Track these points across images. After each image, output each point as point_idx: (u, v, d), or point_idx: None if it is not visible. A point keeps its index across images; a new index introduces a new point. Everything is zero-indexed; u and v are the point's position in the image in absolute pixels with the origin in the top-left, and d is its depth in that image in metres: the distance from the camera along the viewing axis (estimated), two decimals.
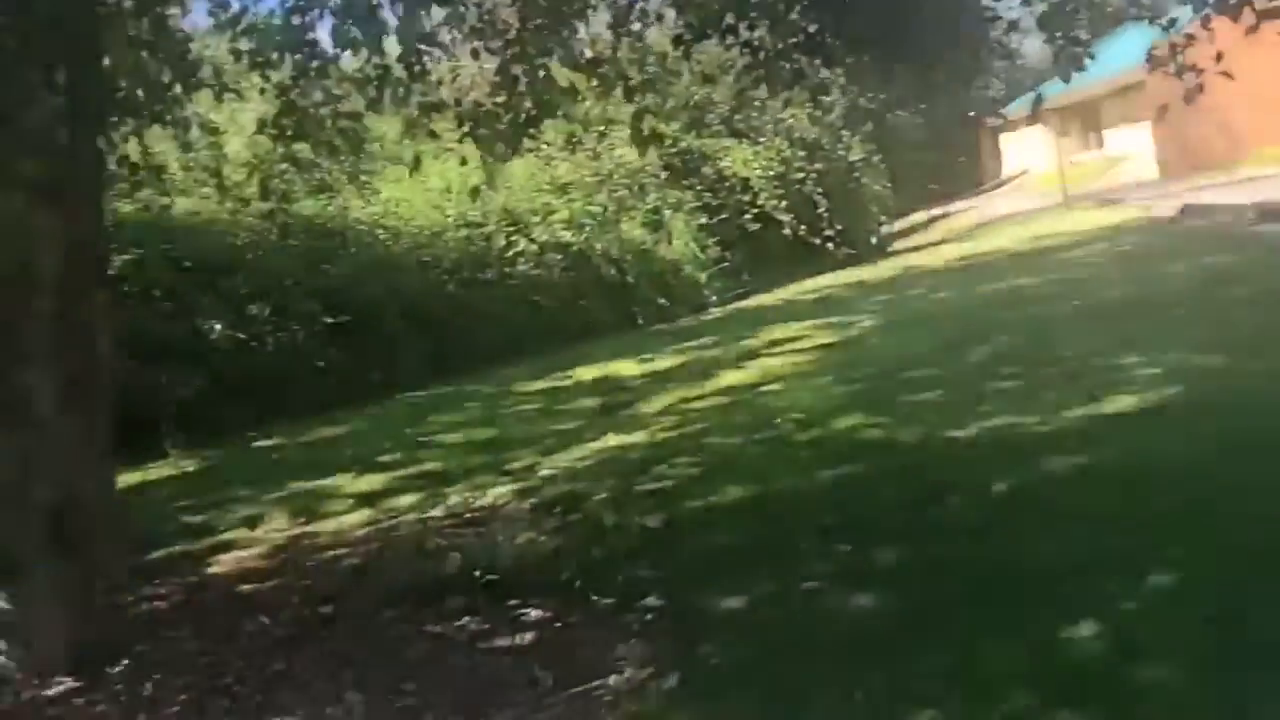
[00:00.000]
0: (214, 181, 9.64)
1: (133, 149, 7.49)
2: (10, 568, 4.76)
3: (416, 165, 8.44)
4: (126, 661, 4.81)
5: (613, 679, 4.15)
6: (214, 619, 5.31)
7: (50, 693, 4.58)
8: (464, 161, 8.20)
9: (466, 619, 4.89)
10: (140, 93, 7.01)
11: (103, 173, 5.44)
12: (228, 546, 6.64)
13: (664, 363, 10.76)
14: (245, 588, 5.78)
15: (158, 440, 9.71)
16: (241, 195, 11.61)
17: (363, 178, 14.04)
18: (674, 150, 16.87)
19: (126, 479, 5.41)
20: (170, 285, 10.86)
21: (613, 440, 7.69)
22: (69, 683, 4.63)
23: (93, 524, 4.93)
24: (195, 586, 5.95)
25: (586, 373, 10.59)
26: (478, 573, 5.08)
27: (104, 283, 5.13)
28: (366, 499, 7.14)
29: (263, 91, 7.34)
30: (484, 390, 10.67)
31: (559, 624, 4.76)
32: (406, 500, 7.01)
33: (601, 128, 16.28)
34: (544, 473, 7.16)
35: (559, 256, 14.61)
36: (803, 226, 18.85)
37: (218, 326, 10.88)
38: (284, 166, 10.24)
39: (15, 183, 4.50)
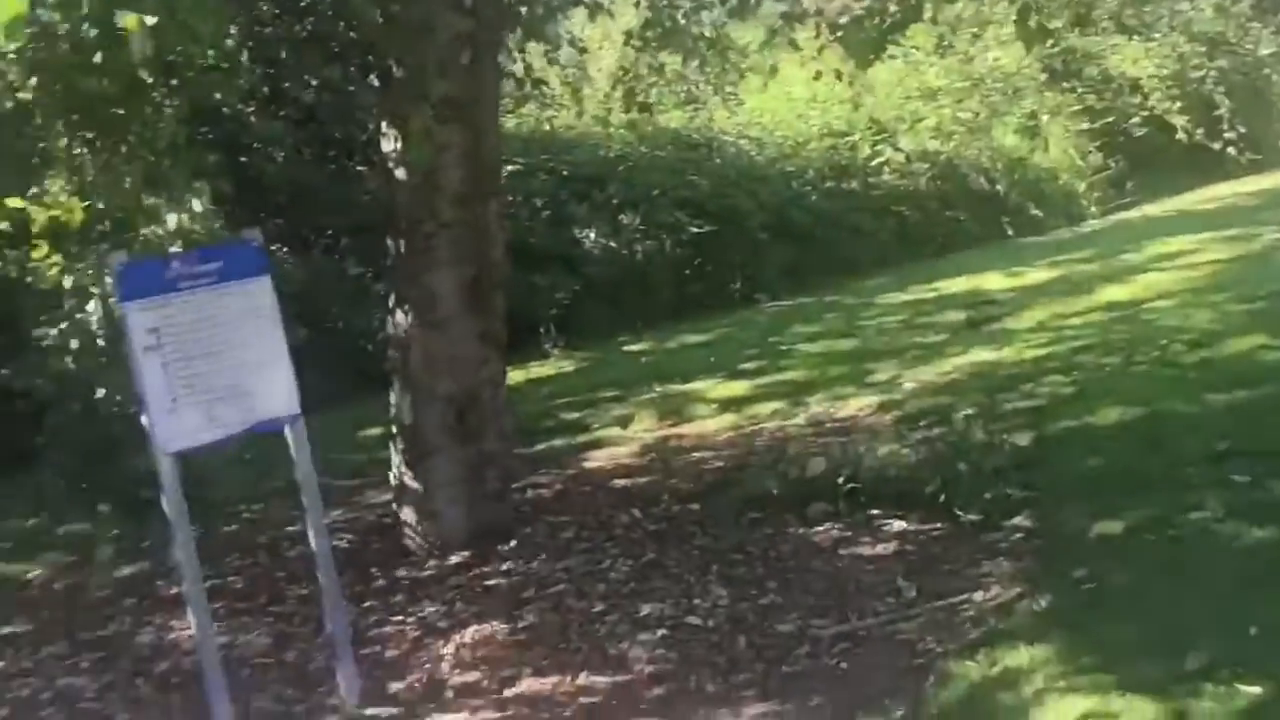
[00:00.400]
0: (577, 97, 10.00)
1: (518, 67, 7.93)
2: (422, 453, 5.31)
3: (773, 73, 8.36)
4: (514, 542, 5.26)
5: (978, 595, 4.08)
6: (591, 509, 5.68)
7: (450, 562, 5.10)
8: (817, 76, 8.02)
9: (828, 525, 4.96)
10: (524, 10, 7.38)
11: (499, 89, 5.80)
12: (600, 444, 7.05)
13: (1036, 276, 10.22)
14: (618, 482, 6.14)
15: (537, 342, 10.40)
16: (610, 109, 12.03)
17: (728, 89, 14.13)
18: (1055, 50, 15.74)
19: (511, 377, 5.85)
20: (549, 196, 11.49)
21: (979, 355, 7.44)
22: (466, 557, 5.13)
23: (487, 416, 5.39)
24: (572, 479, 6.38)
25: (952, 285, 10.26)
26: (841, 480, 5.11)
27: (498, 192, 5.50)
28: (729, 404, 7.33)
29: (637, 4, 7.53)
30: (845, 301, 10.60)
31: (922, 537, 4.73)
32: (768, 407, 7.13)
33: (975, 30, 15.45)
34: (907, 385, 7.05)
35: (926, 165, 14.12)
36: (1199, 130, 17.11)
37: (591, 235, 11.41)
38: (652, 80, 10.50)
39: (425, 100, 4.90)
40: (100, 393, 5.04)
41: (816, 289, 11.50)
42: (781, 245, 12.35)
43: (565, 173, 11.84)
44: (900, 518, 4.91)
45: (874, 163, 13.87)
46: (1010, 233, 14.12)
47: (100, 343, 4.71)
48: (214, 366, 3.79)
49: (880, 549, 4.69)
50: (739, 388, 7.74)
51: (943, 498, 4.88)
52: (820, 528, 4.95)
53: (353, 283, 10.00)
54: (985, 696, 3.32)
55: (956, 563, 4.43)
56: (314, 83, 10.53)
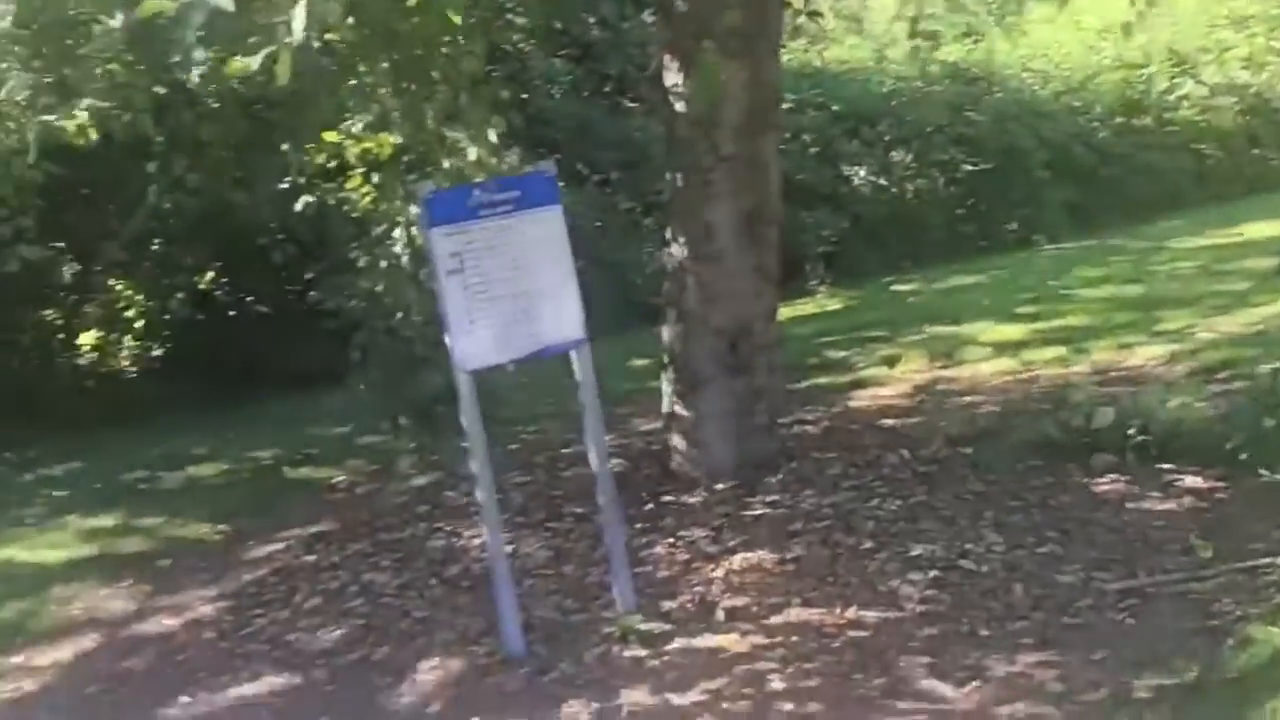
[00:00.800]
0: (856, 27, 9.77)
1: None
2: (694, 384, 5.42)
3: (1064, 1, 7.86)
4: (781, 475, 5.30)
5: None
6: (858, 447, 5.63)
7: (718, 491, 5.20)
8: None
9: (1114, 477, 4.74)
10: None
11: (781, 20, 5.74)
12: (867, 383, 6.98)
13: None
14: (886, 422, 6.06)
15: (803, 280, 10.36)
16: (887, 43, 11.72)
17: (1009, 19, 13.46)
18: None
19: (779, 313, 5.86)
20: (819, 132, 11.35)
21: None
22: (733, 487, 5.22)
23: (758, 349, 5.43)
24: (839, 416, 6.35)
25: (1258, 230, 9.46)
26: (1130, 432, 4.86)
27: (776, 126, 5.47)
28: (1004, 348, 7.08)
29: None
30: (1133, 245, 9.97)
31: (1219, 495, 4.45)
32: (1046, 354, 6.84)
33: None
34: (1202, 335, 6.59)
35: (1233, 100, 13.02)
36: None
37: (861, 172, 11.22)
38: (932, 10, 10.13)
39: (710, 34, 4.92)
40: (402, 315, 5.40)
41: (1101, 232, 10.89)
42: (1064, 185, 11.75)
43: (836, 109, 11.66)
44: (1195, 474, 4.63)
45: (1171, 96, 12.92)
46: None
47: (404, 267, 5.04)
48: (509, 290, 3.99)
49: (1172, 505, 4.44)
50: (1014, 331, 7.46)
51: (1245, 455, 4.56)
52: (1105, 479, 4.74)
53: (624, 217, 10.25)
54: None
55: (1259, 524, 4.15)
56: (591, 20, 10.79)
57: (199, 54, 3.94)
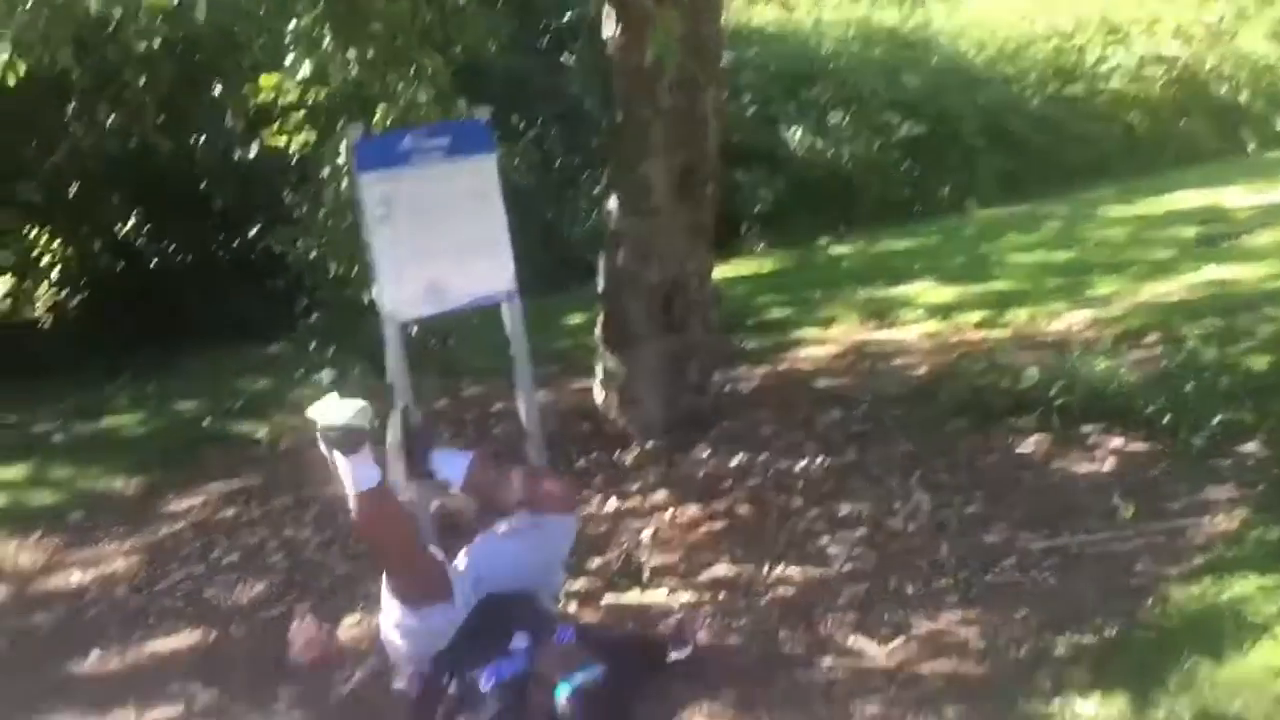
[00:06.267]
0: None
1: None
2: (626, 341, 5.37)
3: None
4: (713, 433, 5.29)
5: (1204, 520, 3.88)
6: (790, 406, 5.63)
7: (649, 449, 5.17)
8: None
9: (1039, 438, 4.78)
10: None
11: None
12: (801, 343, 6.97)
13: None
14: (819, 382, 6.06)
15: (739, 240, 10.32)
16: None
17: None
18: None
19: (715, 273, 5.81)
20: (755, 93, 11.27)
21: (1213, 273, 6.96)
22: (664, 445, 5.19)
23: (692, 307, 5.39)
24: (772, 376, 6.34)
25: (1184, 201, 9.57)
26: (1053, 394, 4.90)
27: (717, 80, 5.39)
28: (935, 311, 7.11)
29: None
30: (1063, 213, 10.04)
31: (1141, 458, 4.51)
32: (975, 316, 6.88)
33: None
34: (1128, 301, 6.68)
35: (1161, 71, 13.18)
36: None
37: (798, 134, 11.16)
38: None
39: None
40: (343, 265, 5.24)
41: (1033, 198, 10.96)
42: (998, 151, 11.81)
43: (772, 69, 11.58)
44: (1118, 436, 4.69)
45: (1103, 67, 13.04)
46: (1252, 147, 13.09)
47: (347, 216, 4.89)
48: (440, 240, 3.91)
49: (1095, 467, 4.49)
50: (946, 294, 7.49)
51: (1166, 419, 4.62)
52: (1030, 440, 4.78)
53: (560, 174, 10.11)
54: (1210, 622, 3.17)
55: (1179, 486, 4.21)
56: None
57: None
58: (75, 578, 4.57)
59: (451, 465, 3.50)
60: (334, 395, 3.16)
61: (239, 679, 3.62)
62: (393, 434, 3.53)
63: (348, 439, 3.14)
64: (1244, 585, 3.34)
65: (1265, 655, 2.95)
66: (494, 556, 3.41)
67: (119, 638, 4.01)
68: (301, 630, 3.14)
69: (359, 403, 3.12)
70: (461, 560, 3.45)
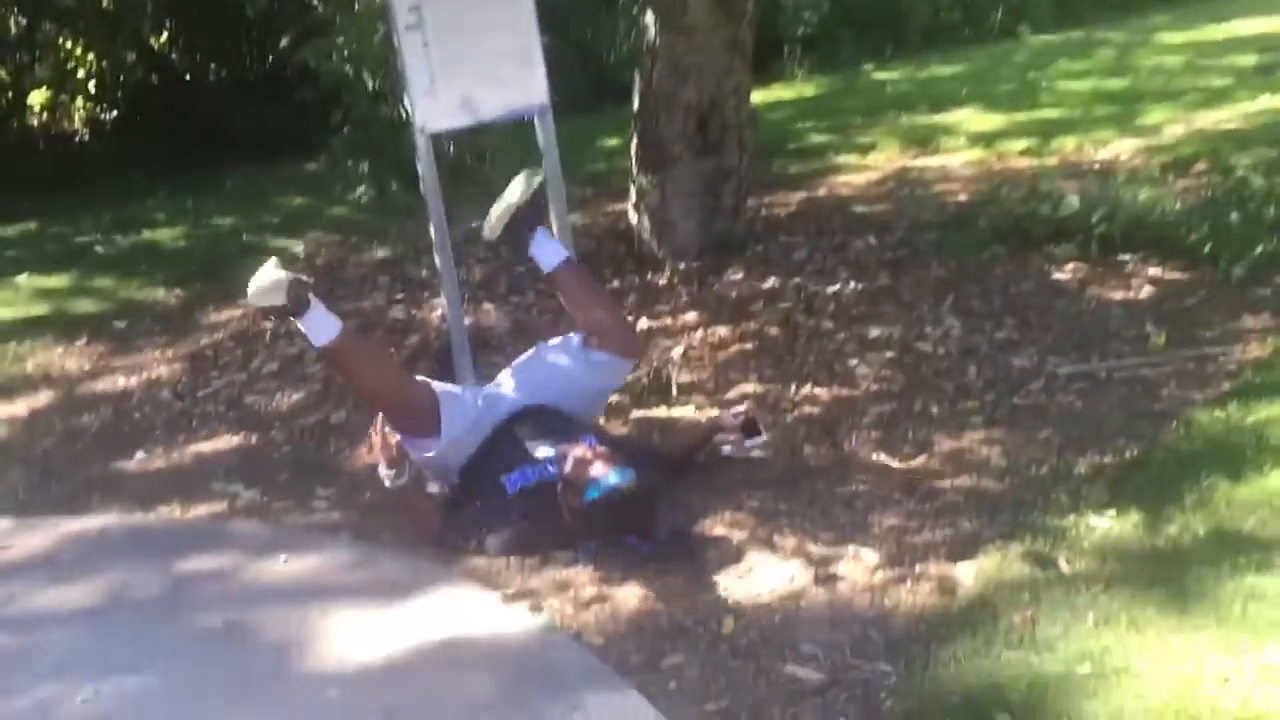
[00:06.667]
0: None
1: None
2: (661, 162, 5.30)
3: None
4: (746, 256, 5.27)
5: (1236, 348, 3.86)
6: (825, 231, 5.59)
7: (682, 270, 5.17)
8: None
9: (1076, 266, 4.73)
10: None
11: None
12: (840, 169, 6.87)
13: None
14: (856, 208, 5.99)
15: (781, 64, 10.06)
16: None
17: None
18: None
19: (753, 97, 5.67)
20: None
21: (1268, 103, 6.73)
22: (697, 266, 5.19)
23: (728, 128, 5.30)
24: (808, 201, 6.27)
25: (1247, 27, 9.18)
26: (1095, 220, 4.82)
27: None
28: (980, 139, 6.95)
29: None
30: (1119, 39, 9.68)
31: (1179, 286, 4.46)
32: (1021, 144, 6.72)
33: None
34: (1179, 130, 6.49)
35: None
36: None
37: None
38: None
39: None
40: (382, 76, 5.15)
41: (1088, 24, 10.56)
42: None
43: None
44: (1157, 265, 4.63)
45: None
46: None
47: (380, 27, 4.78)
48: (471, 50, 3.83)
49: (1131, 295, 4.45)
50: (992, 122, 7.31)
51: (1208, 248, 4.55)
52: (1067, 268, 4.73)
53: None
54: (1233, 446, 3.18)
55: (1214, 315, 4.17)
56: None
57: None
58: (120, 383, 4.69)
59: (548, 251, 3.56)
60: (267, 266, 3.18)
61: (279, 480, 3.74)
62: (512, 194, 3.55)
63: (290, 304, 3.14)
64: (1270, 410, 3.33)
65: None
66: (543, 372, 3.44)
67: (163, 440, 4.14)
68: (377, 435, 3.19)
69: (271, 271, 3.15)
70: (505, 378, 3.50)
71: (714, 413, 3.73)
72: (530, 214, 3.58)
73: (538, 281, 5.06)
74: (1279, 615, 2.45)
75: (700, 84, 5.17)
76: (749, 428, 3.40)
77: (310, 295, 3.16)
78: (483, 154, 5.78)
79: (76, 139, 9.38)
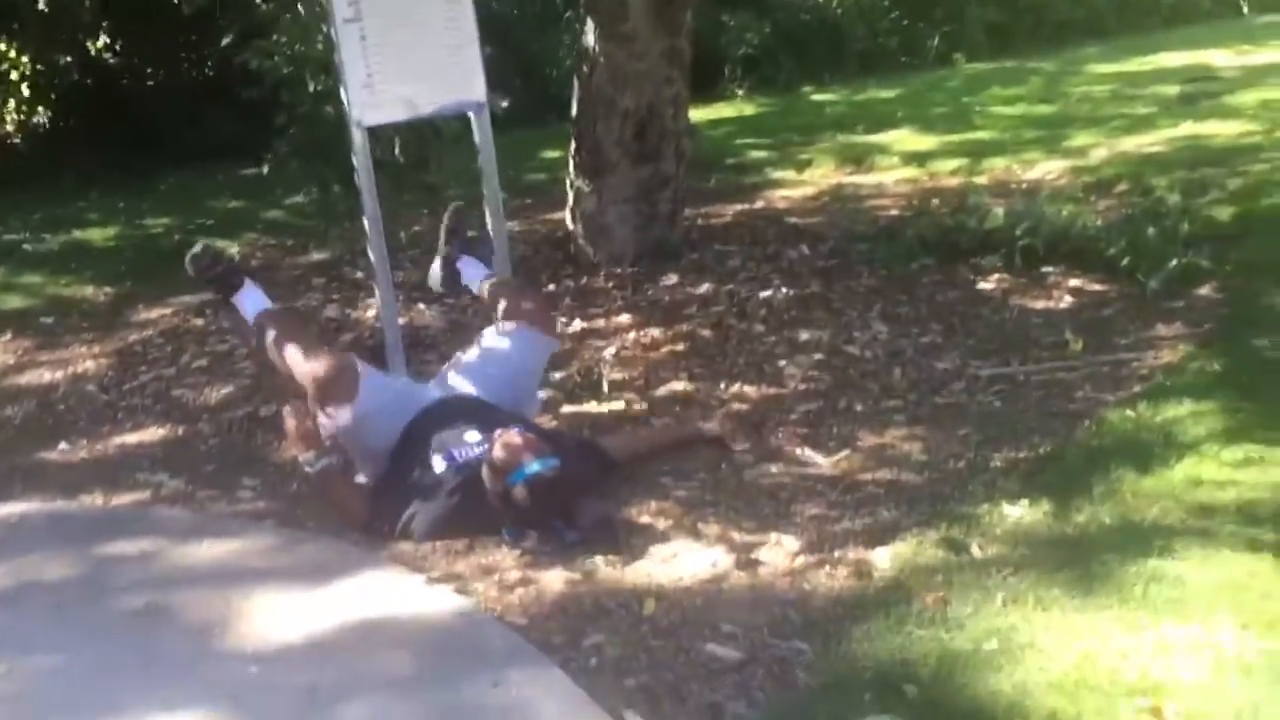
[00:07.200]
0: None
1: None
2: (599, 168, 5.36)
3: None
4: (681, 263, 5.34)
5: (1149, 354, 3.99)
6: (759, 241, 5.68)
7: (618, 274, 5.22)
8: None
9: (1000, 276, 4.86)
10: None
11: None
12: (777, 184, 6.98)
13: (1269, 56, 9.37)
14: (790, 220, 6.09)
15: (722, 83, 10.20)
16: None
17: None
18: None
19: (693, 115, 5.75)
20: None
21: (1189, 129, 6.96)
22: (632, 272, 5.24)
23: (666, 136, 5.37)
24: (745, 213, 6.36)
25: (1171, 60, 9.50)
26: (1019, 234, 4.95)
27: None
28: (913, 158, 7.11)
29: None
30: (1050, 68, 9.95)
31: (1097, 297, 4.60)
32: (952, 164, 6.89)
33: None
34: (1103, 153, 6.69)
35: None
36: None
37: None
38: None
39: None
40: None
41: (1021, 54, 10.85)
42: (988, 4, 11.62)
43: None
44: (1077, 277, 4.77)
45: None
46: (1246, 9, 12.90)
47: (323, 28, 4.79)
48: (409, 45, 3.86)
49: (1051, 304, 4.59)
50: (925, 142, 7.48)
51: (1126, 261, 4.70)
52: (991, 278, 4.86)
53: (541, 4, 9.91)
54: (1141, 442, 3.29)
55: (1130, 324, 4.31)
56: None
57: None
58: (45, 376, 4.63)
59: (475, 271, 4.10)
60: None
61: (205, 470, 3.72)
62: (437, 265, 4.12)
63: (221, 285, 3.73)
64: (1178, 410, 3.45)
65: (1188, 469, 3.08)
66: (474, 352, 3.66)
67: (88, 431, 4.09)
68: (291, 418, 3.24)
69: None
70: (441, 371, 3.69)
71: (642, 409, 3.79)
72: (456, 245, 4.09)
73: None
74: (1178, 595, 2.54)
75: (639, 91, 5.24)
76: (733, 432, 3.56)
77: (245, 277, 3.59)
78: (425, 159, 5.79)
79: (8, 142, 9.24)
